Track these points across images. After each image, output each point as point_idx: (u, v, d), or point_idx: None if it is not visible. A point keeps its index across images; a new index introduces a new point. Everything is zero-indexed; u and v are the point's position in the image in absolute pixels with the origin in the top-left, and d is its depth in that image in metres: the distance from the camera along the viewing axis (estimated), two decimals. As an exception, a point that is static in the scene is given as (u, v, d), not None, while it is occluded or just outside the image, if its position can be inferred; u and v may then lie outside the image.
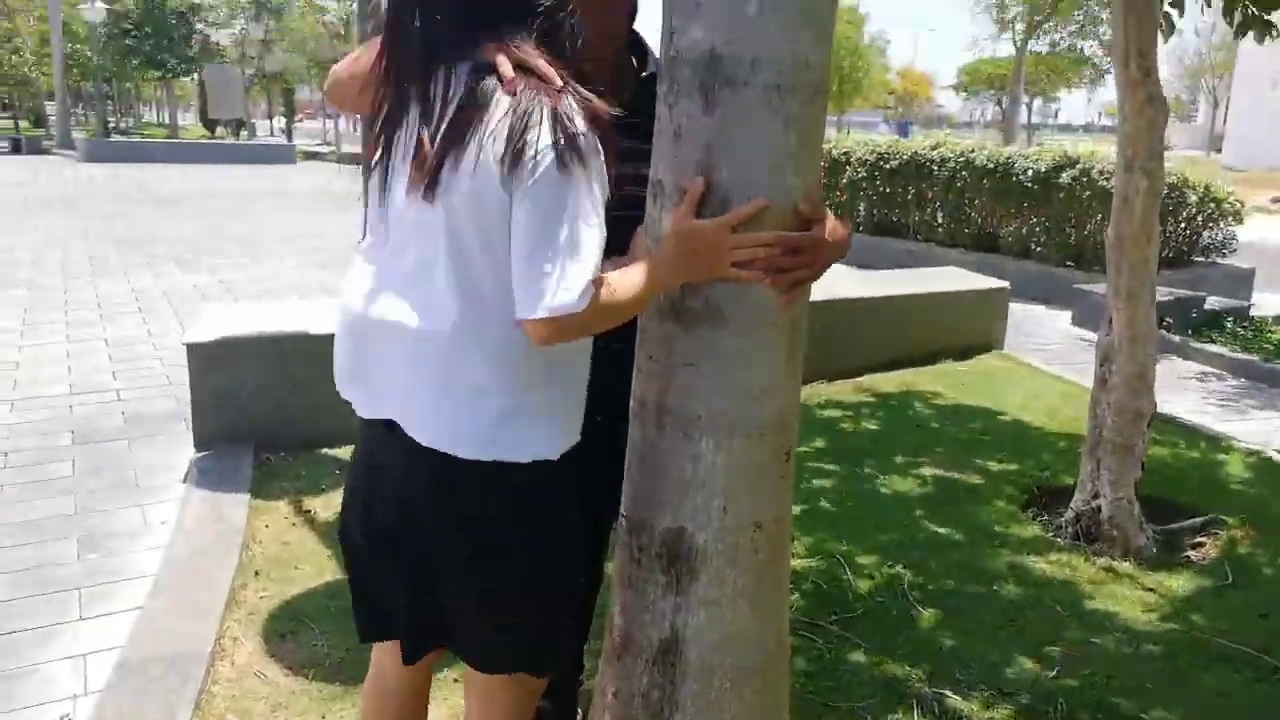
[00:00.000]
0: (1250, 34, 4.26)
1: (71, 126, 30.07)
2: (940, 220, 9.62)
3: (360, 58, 1.47)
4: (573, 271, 1.22)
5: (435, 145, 1.26)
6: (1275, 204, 20.94)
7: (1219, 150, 39.03)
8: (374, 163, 1.40)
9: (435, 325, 1.31)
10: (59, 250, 9.36)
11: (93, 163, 22.55)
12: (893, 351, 5.73)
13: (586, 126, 1.24)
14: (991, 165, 8.84)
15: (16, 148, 25.86)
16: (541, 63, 1.27)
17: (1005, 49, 33.36)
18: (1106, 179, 7.84)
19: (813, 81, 1.39)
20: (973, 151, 9.17)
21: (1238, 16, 4.27)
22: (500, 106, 1.24)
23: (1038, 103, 56.49)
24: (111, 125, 36.91)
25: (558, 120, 1.22)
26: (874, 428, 4.64)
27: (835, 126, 45.75)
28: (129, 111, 53.41)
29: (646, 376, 1.54)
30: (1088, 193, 8.08)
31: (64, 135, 27.73)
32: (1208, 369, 6.34)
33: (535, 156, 1.21)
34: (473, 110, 1.25)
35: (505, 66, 1.26)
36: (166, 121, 40.92)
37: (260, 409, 3.80)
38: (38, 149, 25.93)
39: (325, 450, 3.93)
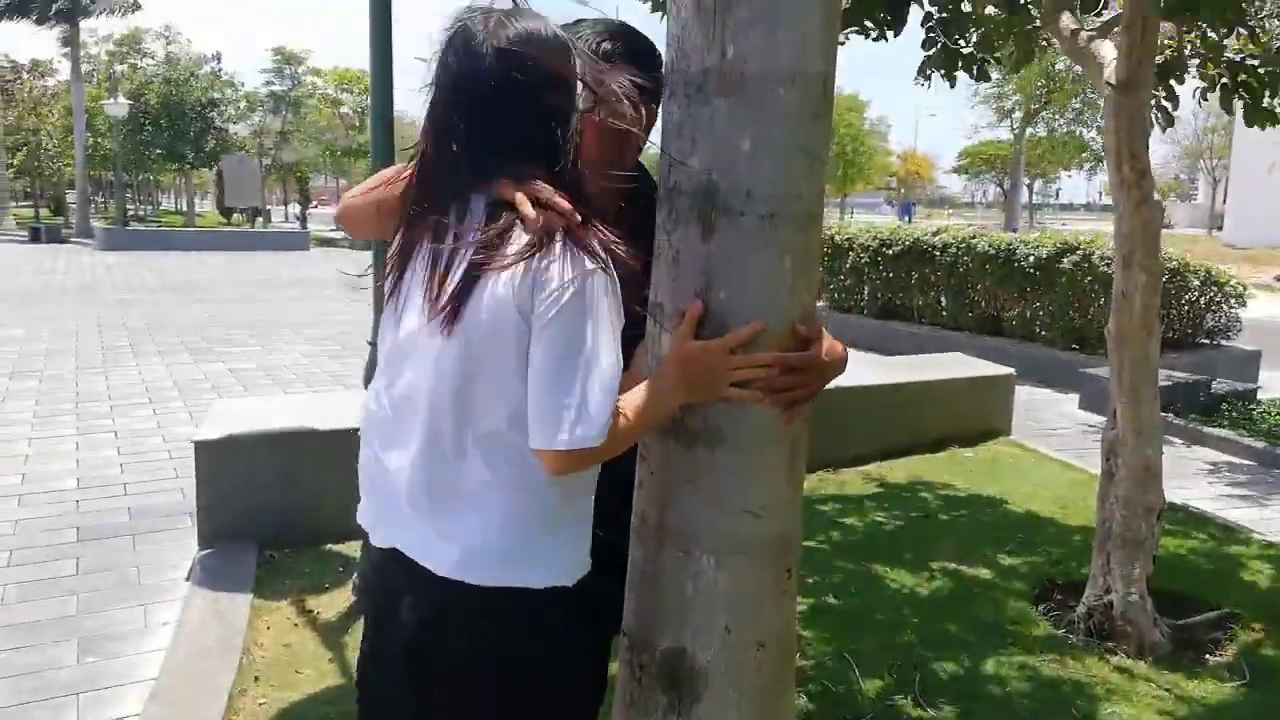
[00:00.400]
0: (1253, 122, 4.35)
1: (91, 214, 30.78)
2: (944, 304, 9.70)
3: (372, 186, 1.53)
4: (593, 405, 1.25)
5: (455, 278, 1.29)
6: (1279, 281, 21.09)
7: (1220, 228, 39.43)
8: (389, 292, 1.43)
9: (443, 458, 1.33)
10: (73, 339, 9.48)
11: (110, 251, 22.96)
12: (900, 439, 5.72)
13: (605, 260, 1.29)
14: (993, 251, 8.95)
15: (36, 236, 26.41)
16: (560, 199, 1.31)
17: (1005, 134, 34.06)
18: (1107, 264, 7.92)
19: (806, 211, 1.43)
20: (974, 238, 9.30)
21: (1239, 107, 4.37)
22: (521, 241, 1.28)
23: (1039, 183, 57.42)
24: (130, 213, 37.77)
25: (578, 255, 1.26)
26: (881, 520, 4.61)
27: (839, 209, 46.55)
28: (148, 199, 54.66)
29: (647, 493, 1.55)
30: (1089, 278, 8.16)
31: (83, 224, 28.35)
32: (1217, 455, 6.30)
33: (555, 290, 1.25)
34: (493, 245, 1.28)
35: (525, 205, 1.30)
36: (184, 209, 41.87)
37: (266, 505, 3.81)
38: (57, 237, 26.48)
39: (330, 546, 3.91)
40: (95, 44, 33.75)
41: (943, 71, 3.84)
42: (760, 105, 1.38)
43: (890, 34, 3.68)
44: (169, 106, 30.64)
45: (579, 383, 1.25)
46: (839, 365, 1.52)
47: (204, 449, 3.74)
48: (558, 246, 1.27)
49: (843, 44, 3.72)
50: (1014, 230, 27.37)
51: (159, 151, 31.86)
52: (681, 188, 1.44)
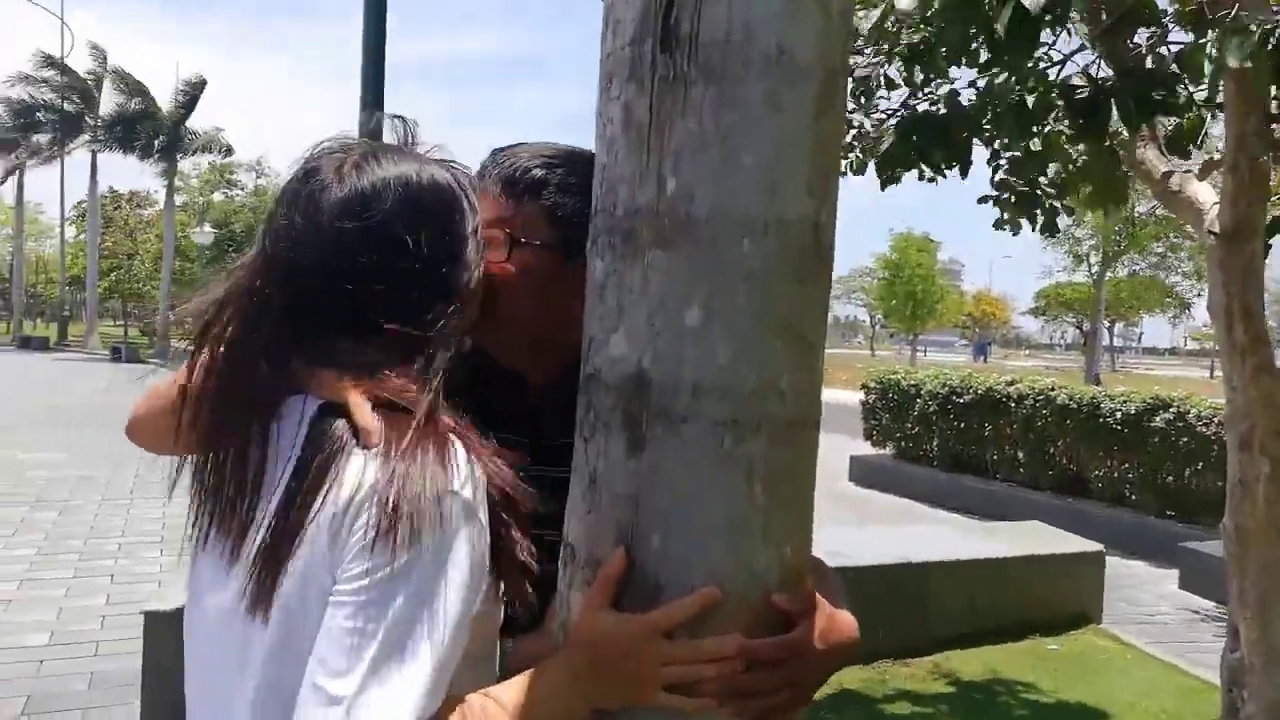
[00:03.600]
0: None
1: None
2: (1021, 459, 8.94)
3: (171, 386, 1.10)
4: (378, 703, 0.78)
5: (263, 528, 0.88)
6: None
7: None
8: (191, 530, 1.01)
9: None
10: (109, 468, 9.30)
11: (183, 372, 23.51)
12: (974, 623, 4.98)
13: (476, 487, 0.88)
14: (1075, 405, 8.24)
15: (117, 355, 27.31)
16: (419, 400, 0.91)
17: (1080, 277, 33.22)
18: (1205, 424, 7.18)
19: (788, 416, 0.95)
20: (1053, 389, 8.61)
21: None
22: (350, 468, 0.87)
23: (1119, 325, 55.88)
24: (213, 337, 39.13)
25: (427, 483, 0.85)
26: (949, 730, 3.89)
27: (910, 345, 45.74)
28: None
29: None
30: (1185, 438, 7.39)
31: (163, 345, 29.34)
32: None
33: (376, 535, 0.82)
34: (314, 477, 0.88)
35: (361, 410, 0.90)
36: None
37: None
38: (136, 358, 27.33)
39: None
40: (195, 176, 35.64)
41: (1007, 218, 3.36)
42: (715, 263, 0.92)
43: (954, 173, 3.23)
44: (251, 233, 31.96)
45: (367, 671, 0.79)
46: (842, 653, 1.00)
47: (153, 622, 3.29)
48: (403, 473, 0.85)
49: (897, 184, 3.31)
50: (1096, 376, 26.22)
51: (243, 276, 33.05)
52: (603, 377, 0.98)
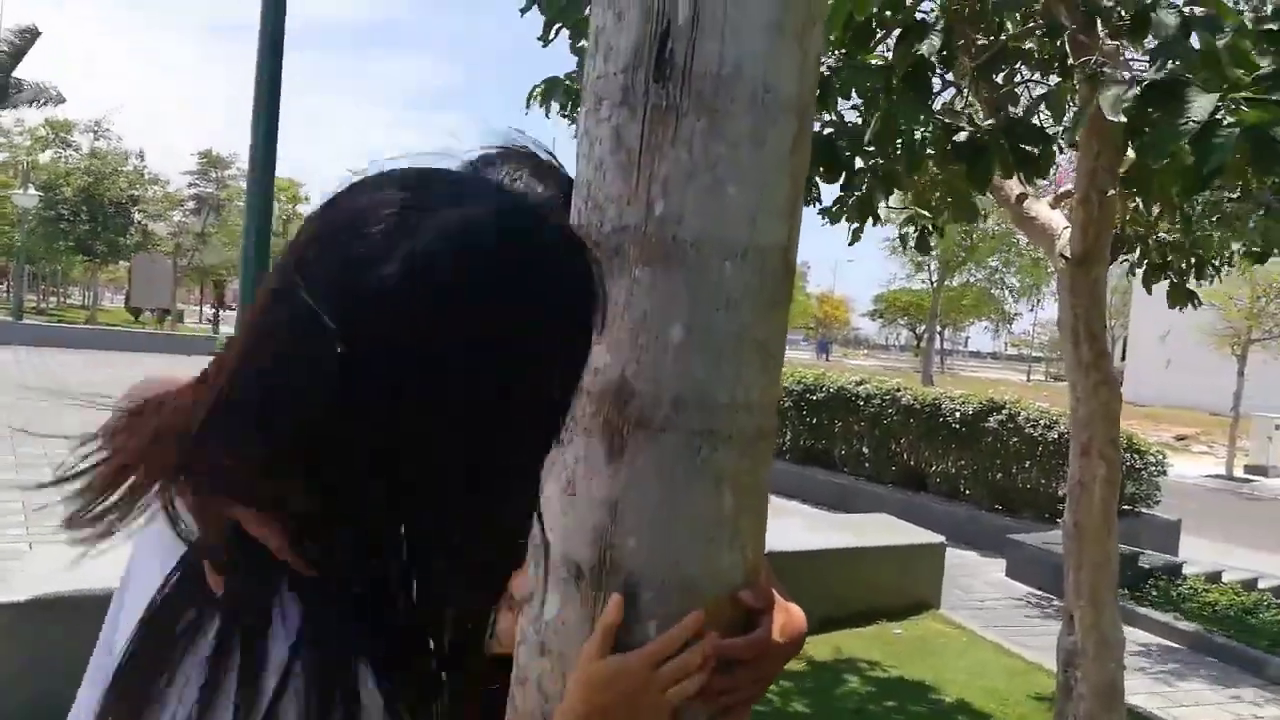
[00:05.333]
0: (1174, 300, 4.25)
1: (-10, 305, 29.21)
2: (867, 455, 9.46)
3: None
4: None
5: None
6: (1180, 441, 21.80)
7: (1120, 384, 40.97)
8: None
9: None
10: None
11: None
12: (826, 610, 5.25)
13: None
14: (918, 405, 8.79)
15: (-81, 325, 24.78)
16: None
17: (919, 284, 35.25)
18: (1033, 426, 7.82)
19: (756, 426, 1.02)
20: (899, 390, 9.16)
21: (1161, 285, 4.27)
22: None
23: (948, 330, 59.62)
24: (33, 306, 36.07)
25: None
26: (804, 710, 4.11)
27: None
28: (56, 292, 52.47)
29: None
30: (1015, 438, 8.02)
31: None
32: (1148, 637, 6.01)
33: None
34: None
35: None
36: (90, 304, 40.20)
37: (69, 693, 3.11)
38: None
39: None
40: (19, 132, 32.69)
41: (854, 223, 3.51)
42: (698, 284, 0.98)
43: (826, 184, 3.39)
44: (87, 200, 29.56)
45: None
46: (795, 645, 1.09)
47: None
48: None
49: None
50: (930, 376, 27.89)
51: (70, 244, 30.63)
52: (584, 385, 1.03)
